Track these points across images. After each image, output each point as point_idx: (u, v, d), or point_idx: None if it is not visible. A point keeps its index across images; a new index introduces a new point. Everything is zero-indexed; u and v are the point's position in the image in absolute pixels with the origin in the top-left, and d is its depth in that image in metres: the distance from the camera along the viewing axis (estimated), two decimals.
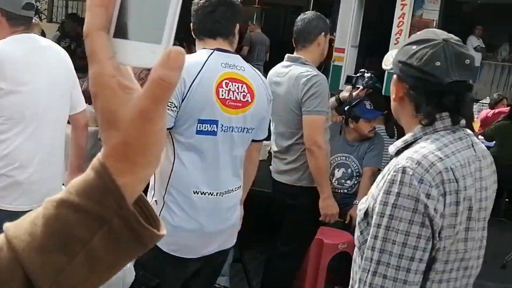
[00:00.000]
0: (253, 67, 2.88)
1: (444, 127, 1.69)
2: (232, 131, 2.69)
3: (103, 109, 0.62)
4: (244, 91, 2.73)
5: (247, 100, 2.74)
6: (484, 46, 14.13)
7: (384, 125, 5.66)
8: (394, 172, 1.62)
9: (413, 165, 1.58)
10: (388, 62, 1.86)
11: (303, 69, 3.39)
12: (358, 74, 4.24)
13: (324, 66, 13.65)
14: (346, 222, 4.48)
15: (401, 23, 13.36)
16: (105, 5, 0.61)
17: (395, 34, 13.41)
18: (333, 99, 4.30)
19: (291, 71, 3.57)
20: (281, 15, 17.07)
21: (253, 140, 2.88)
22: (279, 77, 3.66)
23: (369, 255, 1.62)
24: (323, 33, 3.44)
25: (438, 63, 1.67)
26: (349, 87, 4.37)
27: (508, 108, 8.02)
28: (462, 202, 1.60)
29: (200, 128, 2.61)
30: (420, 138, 1.70)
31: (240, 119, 2.72)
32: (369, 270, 1.61)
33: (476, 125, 7.97)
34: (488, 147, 7.20)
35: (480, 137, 7.41)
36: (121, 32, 0.62)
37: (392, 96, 1.81)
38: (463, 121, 1.73)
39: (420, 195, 1.55)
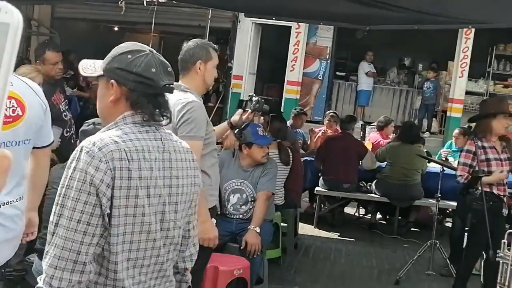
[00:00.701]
0: (24, 79, 2.94)
1: (133, 122, 1.98)
2: (5, 146, 2.70)
3: None
4: (13, 106, 2.77)
5: (18, 114, 2.78)
6: (375, 71, 14.72)
7: (278, 150, 5.77)
8: (74, 151, 1.91)
9: (89, 145, 1.87)
10: (88, 70, 2.10)
11: (181, 96, 3.38)
12: (247, 98, 4.29)
13: (223, 93, 13.81)
14: (241, 247, 4.48)
15: (296, 50, 13.72)
16: None
17: (291, 61, 13.76)
18: (225, 123, 4.34)
19: (171, 99, 3.55)
20: (180, 43, 17.07)
21: (37, 148, 2.95)
22: None
23: (51, 219, 1.87)
24: (200, 60, 3.44)
25: (153, 70, 1.98)
26: (239, 110, 4.43)
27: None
28: (136, 179, 1.88)
29: None
30: (111, 129, 1.98)
31: (10, 134, 2.74)
32: (50, 232, 1.86)
33: (369, 146, 8.27)
34: (380, 168, 7.54)
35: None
36: None
37: (106, 98, 2.02)
38: (165, 121, 2.04)
39: (89, 168, 1.84)
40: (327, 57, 14.14)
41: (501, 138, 5.00)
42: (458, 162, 5.01)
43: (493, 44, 14.47)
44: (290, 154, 6.00)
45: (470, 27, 10.37)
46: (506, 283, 4.44)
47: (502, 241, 4.59)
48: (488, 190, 4.83)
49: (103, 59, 2.09)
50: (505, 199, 4.96)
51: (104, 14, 13.04)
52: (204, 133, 3.36)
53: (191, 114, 3.35)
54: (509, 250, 4.43)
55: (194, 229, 2.16)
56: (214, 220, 3.53)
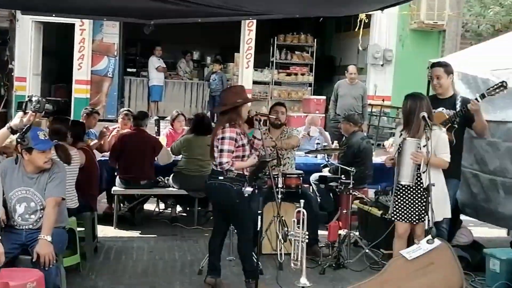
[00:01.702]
0: None
1: None
2: None
3: None
4: None
5: None
6: (165, 65, 14.79)
7: (55, 149, 5.50)
8: None
9: None
10: None
11: None
12: (26, 99, 4.06)
13: (5, 97, 12.93)
14: (33, 260, 4.22)
15: (82, 48, 13.30)
16: None
17: (78, 59, 13.35)
18: (5, 128, 4.09)
19: None
20: None
21: None
22: None
23: None
24: None
25: None
26: (20, 113, 4.19)
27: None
28: None
29: None
30: None
31: None
32: None
33: (163, 141, 8.27)
34: (176, 161, 7.58)
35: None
36: None
37: None
38: None
39: None
40: (115, 53, 13.90)
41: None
42: (222, 150, 5.10)
43: (274, 35, 15.29)
44: (78, 154, 5.80)
45: (251, 18, 10.84)
46: (299, 259, 4.72)
47: (292, 219, 4.87)
48: (241, 172, 5.14)
49: None
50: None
51: None
52: None
53: None
54: (298, 228, 4.71)
55: None
56: None
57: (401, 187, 5.13)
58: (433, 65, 5.91)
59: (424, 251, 4.77)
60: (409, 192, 5.12)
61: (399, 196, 5.17)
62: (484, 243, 6.33)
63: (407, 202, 5.13)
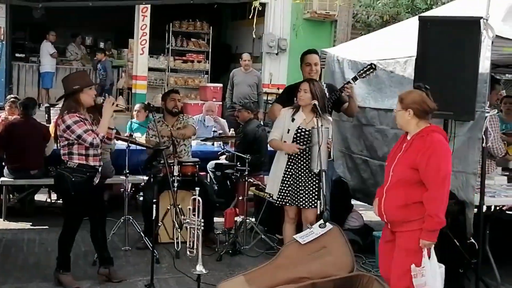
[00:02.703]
0: None
1: None
2: None
3: None
4: None
5: None
6: (55, 50, 14.27)
7: None
8: None
9: None
10: None
11: None
12: None
13: None
14: None
15: None
16: None
17: None
18: None
19: None
20: None
21: None
22: None
23: None
24: None
25: None
26: None
27: None
28: None
29: None
30: None
31: None
32: None
33: (52, 129, 7.99)
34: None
35: None
36: None
37: None
38: None
39: None
40: (2, 37, 13.24)
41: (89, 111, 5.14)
42: (80, 136, 4.92)
43: (169, 21, 15.12)
44: None
45: (144, 3, 10.67)
46: (195, 247, 4.73)
47: (188, 207, 4.87)
48: (85, 162, 5.01)
49: None
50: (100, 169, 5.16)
51: None
52: None
53: None
54: (194, 216, 4.71)
55: None
56: None
57: (290, 172, 5.26)
58: (309, 51, 6.03)
59: (317, 235, 4.93)
60: (299, 176, 5.25)
61: (288, 181, 5.29)
62: (374, 227, 6.61)
63: (297, 186, 5.26)
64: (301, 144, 5.21)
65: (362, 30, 14.29)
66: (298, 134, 5.24)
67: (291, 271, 4.81)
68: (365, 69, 5.77)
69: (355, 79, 5.76)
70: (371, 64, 5.76)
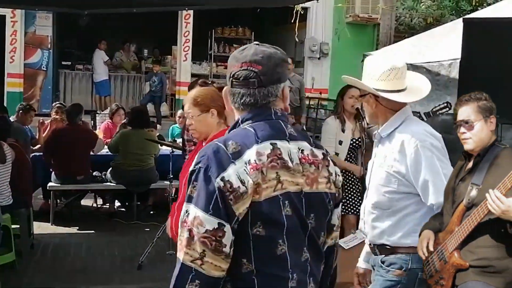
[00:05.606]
0: None
1: None
2: None
3: None
4: None
5: None
6: (108, 58, 14.46)
7: None
8: None
9: None
10: None
11: None
12: None
13: None
14: None
15: (14, 40, 12.91)
16: None
17: (10, 52, 12.96)
18: None
19: None
20: None
21: None
22: None
23: None
24: None
25: None
26: None
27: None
28: None
29: None
30: None
31: None
32: None
33: (100, 134, 8.16)
34: (112, 156, 7.48)
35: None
36: None
37: None
38: None
39: None
40: (49, 46, 13.56)
41: None
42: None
43: (211, 28, 15.24)
44: (9, 150, 5.65)
45: (187, 9, 10.78)
46: None
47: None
48: None
49: None
50: None
51: None
52: None
53: None
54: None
55: None
56: None
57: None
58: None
59: (360, 240, 4.88)
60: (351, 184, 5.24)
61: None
62: None
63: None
64: (354, 153, 5.20)
65: (406, 33, 14.12)
66: (354, 145, 5.21)
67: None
68: (441, 105, 5.50)
69: (428, 115, 5.50)
70: (447, 102, 5.49)
